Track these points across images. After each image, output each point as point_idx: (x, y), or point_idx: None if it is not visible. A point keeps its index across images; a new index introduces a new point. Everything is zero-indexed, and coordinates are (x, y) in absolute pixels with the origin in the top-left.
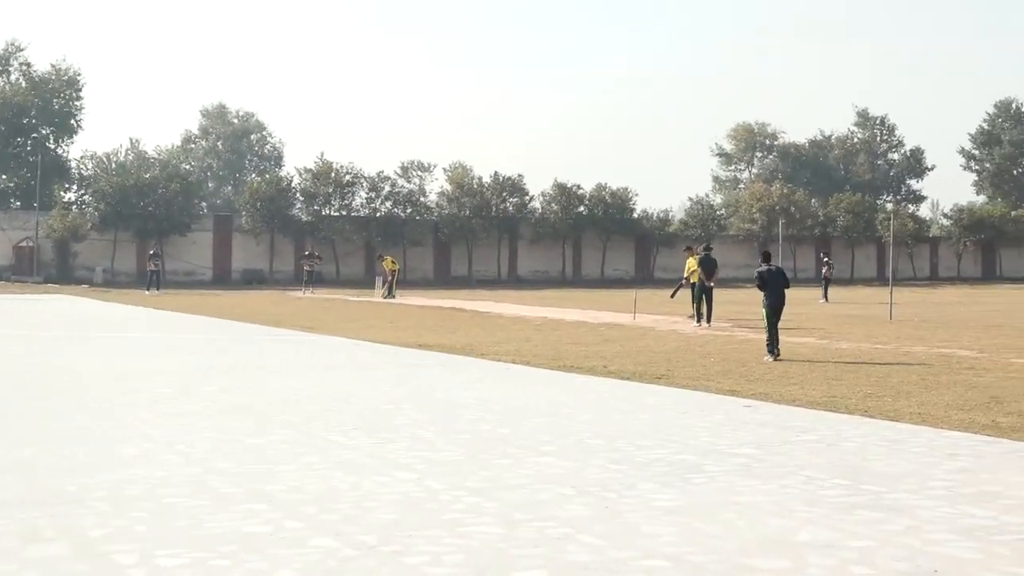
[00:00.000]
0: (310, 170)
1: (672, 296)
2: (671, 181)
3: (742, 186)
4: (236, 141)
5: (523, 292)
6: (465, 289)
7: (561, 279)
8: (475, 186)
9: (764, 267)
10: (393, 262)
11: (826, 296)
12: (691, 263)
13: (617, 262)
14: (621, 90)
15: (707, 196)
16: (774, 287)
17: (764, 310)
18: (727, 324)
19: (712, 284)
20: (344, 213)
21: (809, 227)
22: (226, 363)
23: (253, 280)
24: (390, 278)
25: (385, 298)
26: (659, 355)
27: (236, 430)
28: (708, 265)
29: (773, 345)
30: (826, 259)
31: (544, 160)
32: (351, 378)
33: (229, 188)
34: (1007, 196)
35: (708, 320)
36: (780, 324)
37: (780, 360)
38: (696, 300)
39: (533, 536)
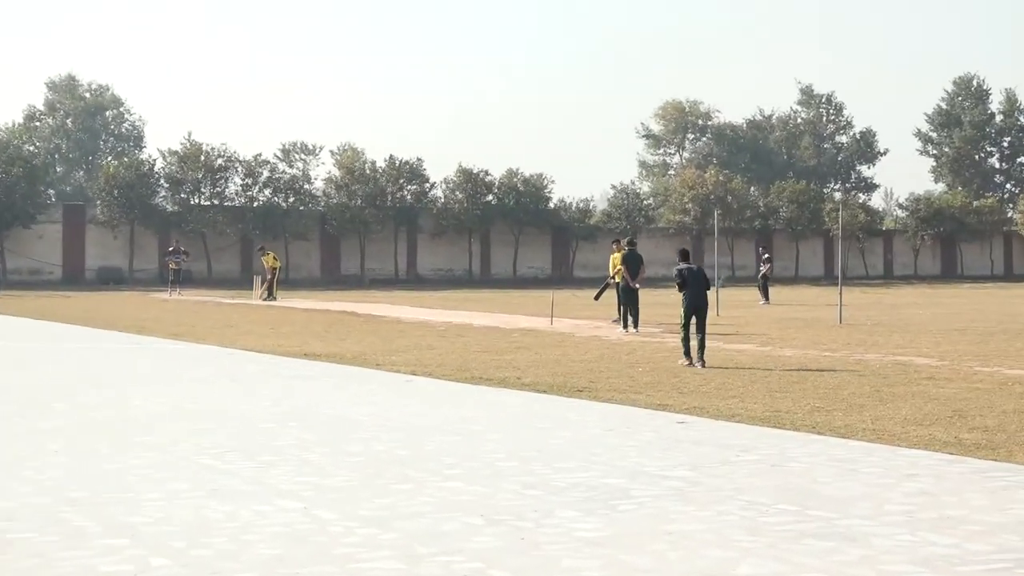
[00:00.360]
0: (176, 152)
1: (596, 298)
2: (592, 167)
3: (672, 172)
4: (88, 118)
5: (424, 293)
6: (357, 290)
7: (467, 278)
8: (368, 171)
9: (683, 265)
10: (275, 258)
11: (766, 297)
12: (616, 259)
13: (531, 258)
14: (534, 64)
15: (632, 184)
16: (694, 287)
17: (682, 311)
18: (657, 329)
19: (637, 285)
20: (216, 202)
21: (748, 218)
22: (81, 376)
23: (110, 280)
24: (270, 276)
25: (264, 300)
26: (580, 365)
27: (93, 452)
28: (632, 262)
29: (688, 348)
30: (765, 255)
31: (447, 143)
32: (226, 392)
33: (81, 173)
34: (968, 184)
35: (635, 325)
36: (710, 329)
37: (708, 368)
38: (621, 302)
39: (437, 573)
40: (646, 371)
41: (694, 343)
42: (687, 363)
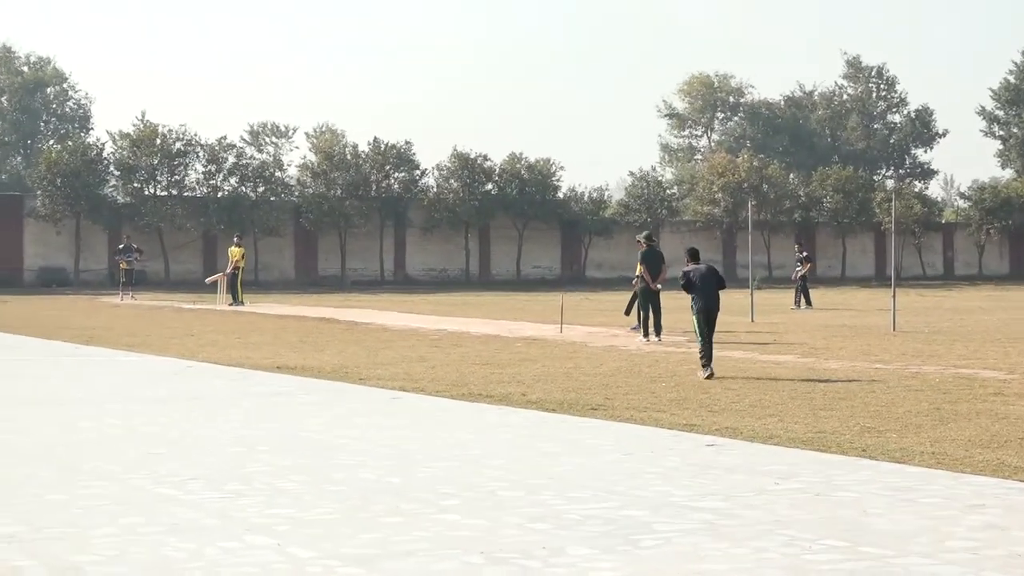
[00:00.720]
0: (127, 135)
1: (628, 312)
2: (607, 152)
3: (699, 157)
4: (27, 96)
5: (414, 296)
6: (337, 293)
7: (464, 279)
8: (348, 157)
9: (691, 267)
10: (243, 255)
11: (808, 301)
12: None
13: (537, 256)
14: (540, 35)
15: (654, 170)
16: (705, 289)
17: (695, 317)
18: (682, 338)
19: (659, 286)
20: (174, 193)
21: (787, 210)
22: (18, 394)
23: (53, 281)
24: (230, 271)
25: (231, 305)
26: (594, 379)
27: (33, 481)
28: (652, 261)
29: (708, 359)
30: (803, 253)
31: (440, 126)
32: (187, 412)
33: (18, 159)
34: None
35: (657, 333)
36: (744, 337)
37: (742, 381)
38: (641, 307)
39: None
40: (670, 386)
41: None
42: (705, 375)
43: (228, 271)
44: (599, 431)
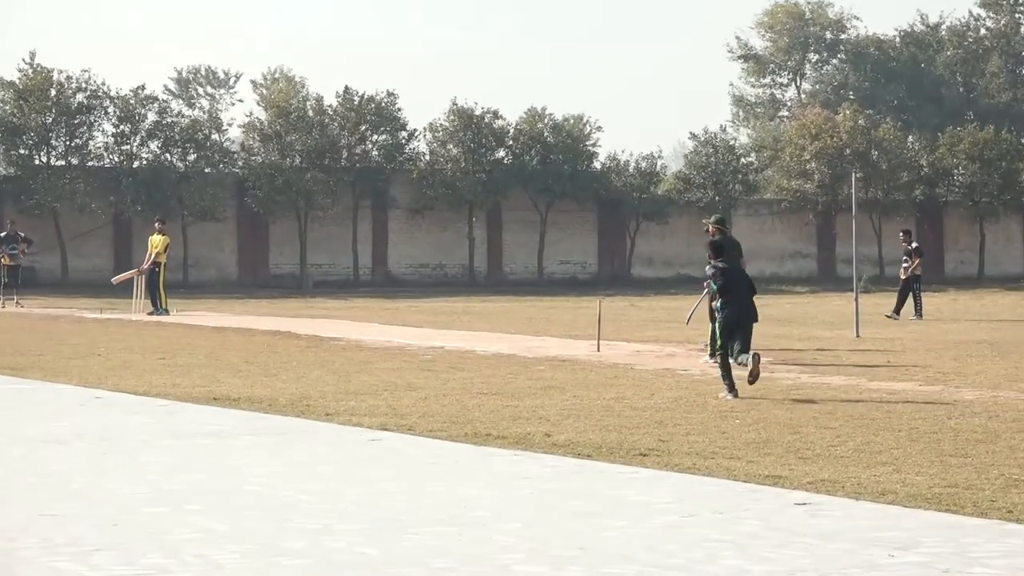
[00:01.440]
0: (11, 84)
1: (688, 321)
2: (659, 106)
3: (785, 114)
4: None
5: (400, 302)
6: (296, 297)
7: (466, 278)
8: (311, 113)
9: (724, 264)
10: (167, 246)
11: (916, 308)
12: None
13: (566, 248)
14: None
15: (724, 131)
16: (737, 292)
17: (717, 325)
18: (764, 358)
19: None
20: (75, 162)
21: (904, 185)
22: None
23: None
24: (147, 267)
25: (152, 314)
26: (644, 414)
27: None
28: (729, 252)
29: (731, 377)
30: (912, 244)
31: (435, 70)
32: (92, 458)
33: None
34: None
35: (734, 352)
36: (845, 358)
37: (840, 419)
38: (711, 316)
39: None
40: (747, 424)
41: (739, 368)
42: (731, 397)
43: (145, 267)
44: (650, 484)
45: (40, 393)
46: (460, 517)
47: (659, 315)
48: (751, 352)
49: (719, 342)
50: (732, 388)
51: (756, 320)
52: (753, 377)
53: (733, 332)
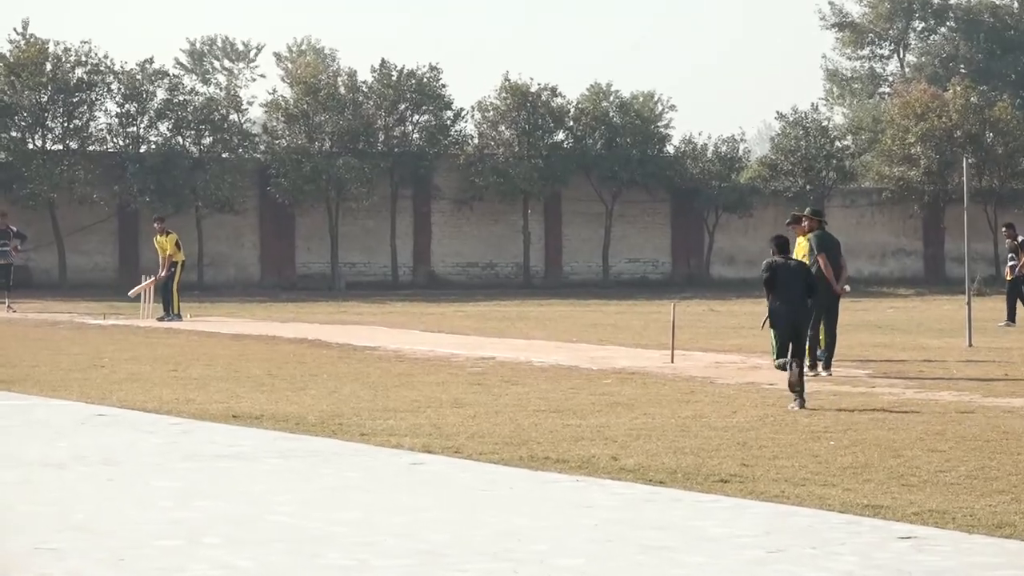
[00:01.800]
0: (3, 58)
1: (764, 325)
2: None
3: (886, 90)
4: None
5: (444, 306)
6: (327, 300)
7: (521, 279)
8: (343, 91)
9: (777, 258)
10: (179, 244)
11: (1010, 314)
12: (803, 246)
13: (636, 245)
14: None
15: (816, 111)
16: (789, 290)
17: (772, 332)
18: (859, 370)
19: (847, 288)
20: (74, 146)
21: None
22: None
23: None
24: (164, 274)
25: (163, 320)
26: (725, 435)
27: None
28: (830, 249)
29: (803, 387)
30: (1016, 239)
31: (484, 42)
32: (97, 483)
33: None
34: None
35: (826, 363)
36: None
37: (954, 439)
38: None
39: None
40: (842, 446)
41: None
42: (799, 406)
43: (162, 274)
44: (732, 515)
45: (36, 410)
46: (514, 551)
47: (742, 321)
48: (792, 358)
49: (774, 346)
50: (802, 397)
51: (808, 319)
52: (793, 388)
53: (785, 334)
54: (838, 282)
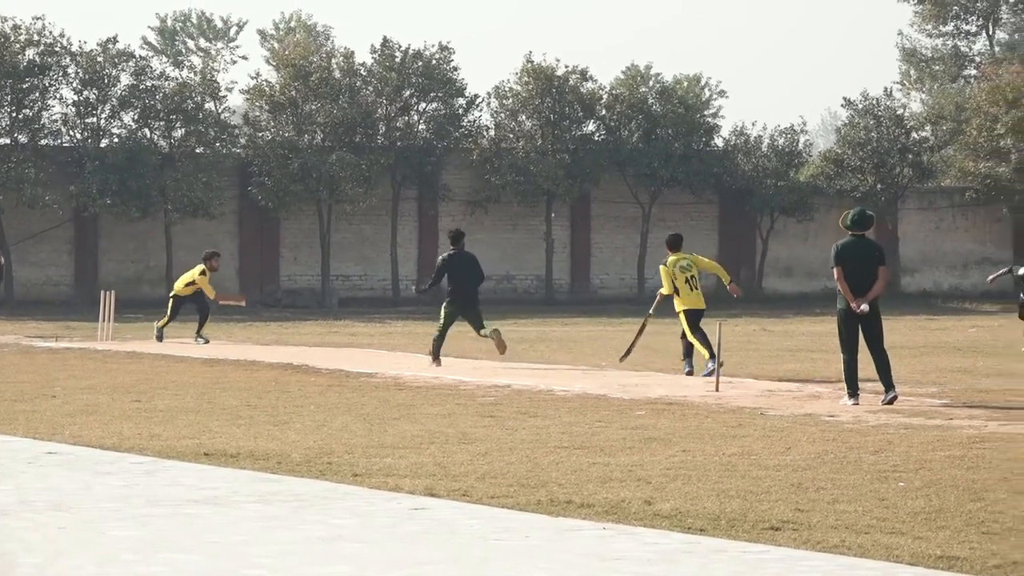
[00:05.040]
0: None
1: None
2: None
3: (972, 73)
4: None
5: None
6: (316, 319)
7: (543, 293)
8: (337, 74)
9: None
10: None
11: None
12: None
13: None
14: None
15: (890, 96)
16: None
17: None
18: (935, 400)
19: (864, 308)
20: (23, 140)
21: None
22: None
23: None
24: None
25: (198, 340)
26: (778, 475)
27: None
28: (857, 258)
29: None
30: None
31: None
32: (46, 531)
33: None
34: None
35: (887, 389)
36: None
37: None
38: (842, 347)
39: None
40: (913, 489)
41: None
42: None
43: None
44: (785, 567)
45: None
46: None
47: (799, 343)
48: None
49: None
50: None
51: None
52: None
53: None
54: (857, 297)
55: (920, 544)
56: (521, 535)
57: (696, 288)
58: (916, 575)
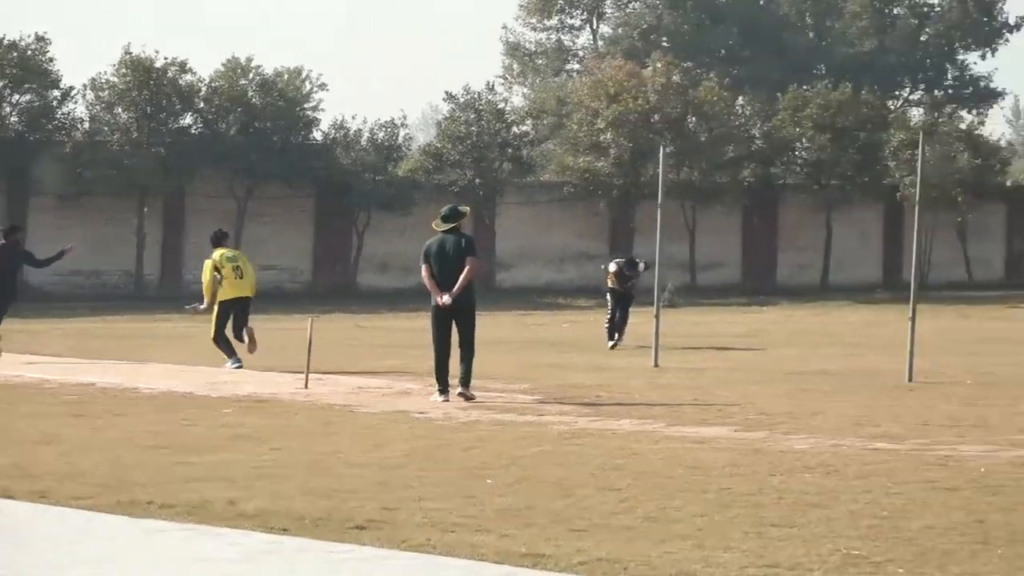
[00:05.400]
0: None
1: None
2: (404, 57)
3: (575, 68)
4: None
5: (39, 323)
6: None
7: (132, 289)
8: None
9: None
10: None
11: (613, 333)
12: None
13: (272, 249)
14: None
15: (491, 90)
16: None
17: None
18: (526, 396)
19: (445, 299)
20: None
21: (730, 162)
22: None
23: None
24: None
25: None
26: (365, 473)
27: None
28: (444, 255)
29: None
30: (641, 264)
31: (103, 9)
32: None
33: None
34: None
35: (462, 386)
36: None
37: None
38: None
39: None
40: (503, 484)
41: None
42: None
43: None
44: (368, 568)
45: None
46: None
47: (396, 338)
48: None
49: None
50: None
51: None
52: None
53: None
54: (442, 289)
55: (506, 542)
56: (104, 537)
57: (242, 277)
58: (501, 573)
